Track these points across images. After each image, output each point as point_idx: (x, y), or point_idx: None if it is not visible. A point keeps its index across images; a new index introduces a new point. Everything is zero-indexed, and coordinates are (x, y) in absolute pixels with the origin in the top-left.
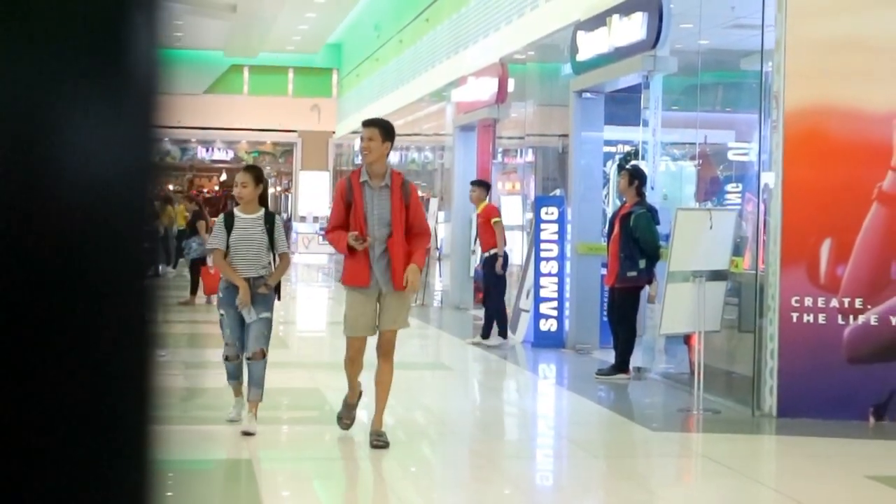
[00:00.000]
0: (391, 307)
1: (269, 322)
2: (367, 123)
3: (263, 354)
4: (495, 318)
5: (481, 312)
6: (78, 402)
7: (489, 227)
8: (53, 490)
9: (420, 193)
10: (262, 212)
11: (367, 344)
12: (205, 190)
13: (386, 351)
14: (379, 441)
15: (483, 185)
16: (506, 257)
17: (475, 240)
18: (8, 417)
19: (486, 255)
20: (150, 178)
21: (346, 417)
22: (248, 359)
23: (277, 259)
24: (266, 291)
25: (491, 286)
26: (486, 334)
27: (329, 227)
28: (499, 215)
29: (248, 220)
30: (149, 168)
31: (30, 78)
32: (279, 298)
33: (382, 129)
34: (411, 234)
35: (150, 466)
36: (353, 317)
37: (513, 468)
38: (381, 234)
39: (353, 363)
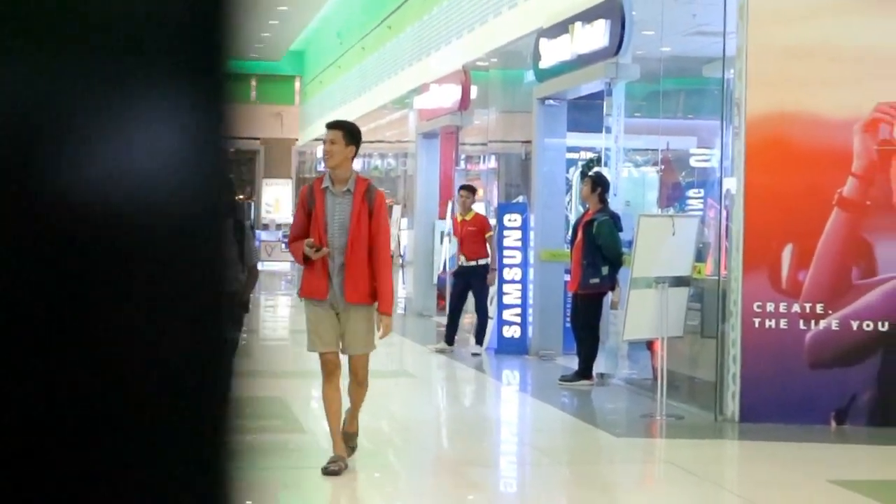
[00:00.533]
0: (354, 329)
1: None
2: (331, 126)
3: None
4: (479, 325)
5: (444, 319)
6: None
7: (480, 236)
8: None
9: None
10: (230, 222)
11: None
12: None
13: (358, 378)
14: (349, 444)
15: (473, 191)
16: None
17: (450, 247)
18: (77, 416)
19: (474, 263)
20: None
21: (333, 464)
22: None
23: (245, 272)
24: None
25: (478, 294)
26: (450, 340)
27: (290, 236)
28: (491, 228)
29: None
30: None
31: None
32: (247, 311)
33: (346, 132)
34: (373, 254)
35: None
36: (314, 331)
37: (477, 475)
38: (342, 243)
39: (327, 381)
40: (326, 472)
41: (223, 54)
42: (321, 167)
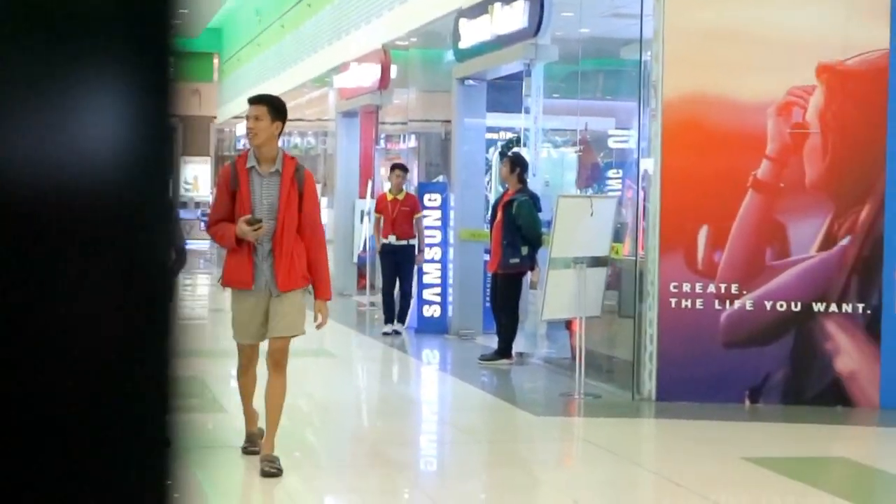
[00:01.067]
0: (282, 311)
1: None
2: (254, 100)
3: None
4: (402, 305)
5: (366, 298)
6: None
7: (412, 215)
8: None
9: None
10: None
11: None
12: None
13: (276, 361)
14: (272, 468)
15: (406, 171)
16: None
17: (374, 221)
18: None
19: (405, 243)
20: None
21: (251, 446)
22: None
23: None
24: None
25: (406, 274)
26: (391, 319)
27: (211, 219)
28: (421, 209)
29: None
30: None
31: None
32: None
33: (271, 107)
34: (305, 235)
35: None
36: (239, 321)
37: (396, 454)
38: (271, 227)
39: (245, 372)
40: (245, 451)
41: (167, 32)
42: (240, 145)
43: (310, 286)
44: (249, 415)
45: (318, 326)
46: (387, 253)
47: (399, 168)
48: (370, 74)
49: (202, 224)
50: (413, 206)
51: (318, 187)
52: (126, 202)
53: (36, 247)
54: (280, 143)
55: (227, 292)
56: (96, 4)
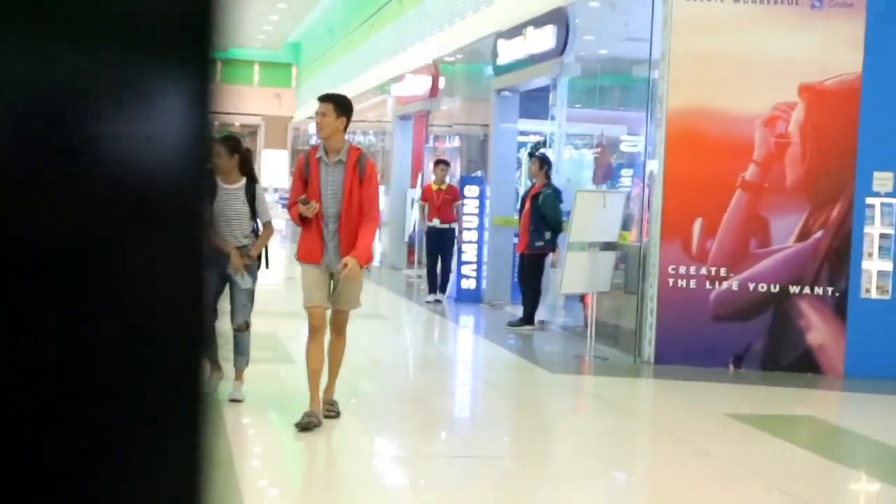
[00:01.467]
0: (345, 289)
1: (251, 293)
2: (322, 98)
3: (247, 326)
4: (443, 277)
5: (413, 271)
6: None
7: (450, 203)
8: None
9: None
10: (242, 182)
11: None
12: None
13: (338, 327)
14: (331, 411)
15: (448, 165)
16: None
17: (421, 207)
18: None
19: (448, 226)
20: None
21: (307, 419)
22: (235, 330)
23: (261, 228)
24: (247, 262)
25: (447, 252)
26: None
27: (289, 202)
28: (460, 198)
29: (228, 190)
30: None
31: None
32: (267, 266)
33: (337, 104)
34: (360, 214)
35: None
36: (307, 288)
37: (435, 402)
38: (335, 211)
39: (313, 338)
40: (300, 426)
41: (211, 45)
42: (312, 140)
43: (370, 265)
44: (314, 393)
45: (343, 274)
46: (431, 234)
47: (442, 163)
48: (422, 84)
49: (280, 206)
50: (454, 195)
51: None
52: (179, 183)
53: (113, 222)
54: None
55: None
56: (157, 24)
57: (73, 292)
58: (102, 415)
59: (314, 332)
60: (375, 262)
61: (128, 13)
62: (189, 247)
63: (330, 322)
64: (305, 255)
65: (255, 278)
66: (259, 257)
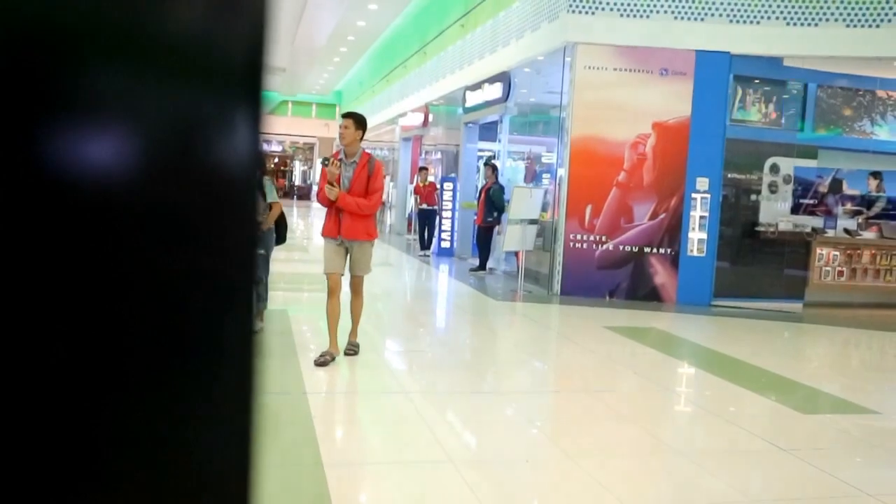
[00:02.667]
0: (358, 259)
1: (265, 258)
2: (345, 115)
3: (260, 280)
4: (429, 240)
5: (410, 236)
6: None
7: (433, 193)
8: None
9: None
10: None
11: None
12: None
13: (356, 289)
14: (352, 349)
15: (427, 170)
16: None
17: (414, 197)
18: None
19: (431, 208)
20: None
21: (322, 357)
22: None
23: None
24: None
25: (431, 224)
26: (423, 247)
27: (318, 189)
28: (437, 189)
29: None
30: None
31: (190, 102)
32: (284, 241)
33: (355, 120)
34: (367, 196)
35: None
36: (327, 258)
37: (422, 317)
38: None
39: (331, 297)
40: (317, 362)
41: (262, 87)
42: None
43: (374, 239)
44: (332, 338)
45: (325, 191)
46: (421, 213)
47: (423, 170)
48: (418, 118)
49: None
50: (433, 188)
51: (388, 177)
52: (240, 181)
53: (198, 208)
54: (372, 151)
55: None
56: (228, 70)
57: (185, 245)
58: (178, 348)
59: (331, 292)
60: (386, 230)
61: (209, 66)
62: (246, 224)
63: (350, 285)
64: (326, 231)
65: (267, 247)
66: (274, 230)
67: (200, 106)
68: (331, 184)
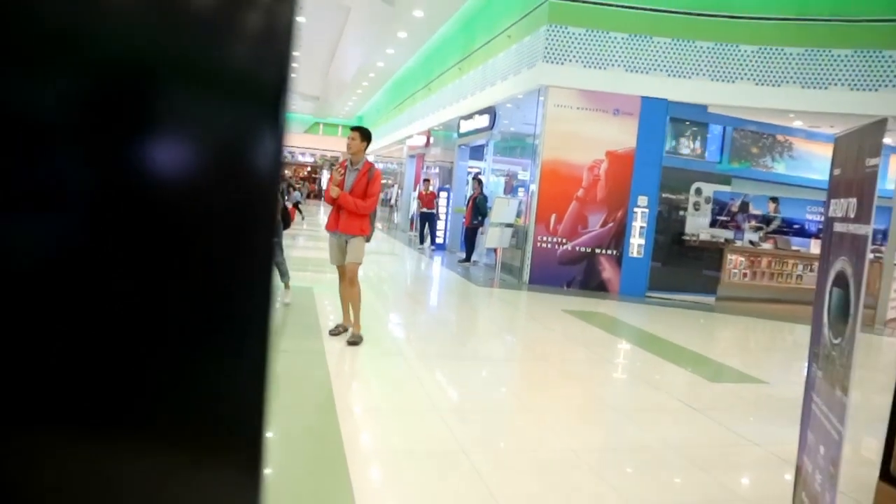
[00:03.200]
0: (350, 249)
1: (278, 242)
2: (353, 129)
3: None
4: (430, 237)
5: (412, 233)
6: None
7: (429, 200)
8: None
9: (388, 180)
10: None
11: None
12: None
13: (349, 278)
14: (353, 340)
15: (430, 181)
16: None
17: (417, 201)
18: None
19: (430, 211)
20: (281, 166)
21: (335, 330)
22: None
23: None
24: None
25: (432, 224)
26: (422, 242)
27: (326, 190)
28: (437, 197)
29: None
30: (281, 162)
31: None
32: (287, 227)
33: (361, 133)
34: (363, 200)
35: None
36: (331, 253)
37: (420, 297)
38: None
39: (341, 282)
40: (331, 332)
41: (285, 109)
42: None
43: (367, 235)
44: (345, 313)
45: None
46: (422, 215)
47: (426, 181)
48: (422, 140)
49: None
50: (433, 195)
51: (395, 188)
52: (265, 182)
53: (233, 204)
54: (382, 167)
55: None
56: (259, 96)
57: (227, 229)
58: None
59: (341, 277)
60: (392, 228)
61: (243, 95)
62: (268, 216)
63: (345, 272)
64: (328, 226)
65: (278, 234)
66: (281, 220)
67: (236, 124)
68: (336, 186)
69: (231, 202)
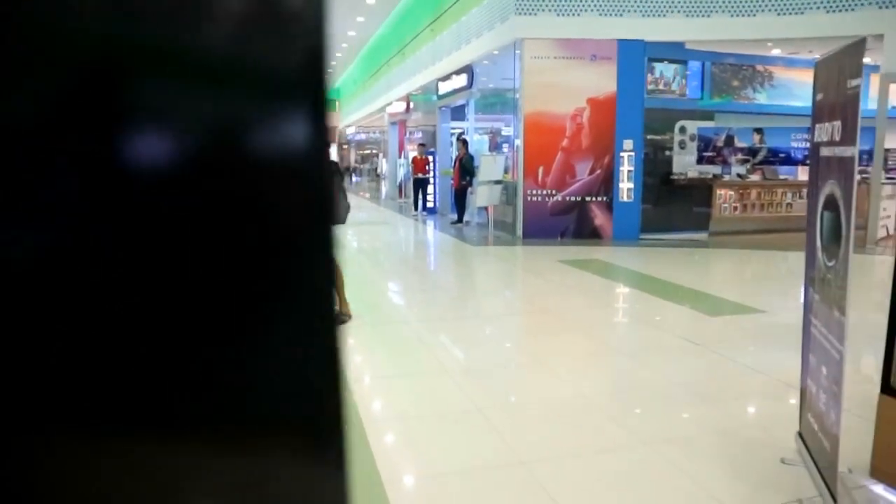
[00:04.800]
0: None
1: None
2: None
3: None
4: (421, 201)
5: (401, 200)
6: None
7: (423, 165)
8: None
9: (372, 150)
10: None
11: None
12: None
13: None
14: (341, 319)
15: (424, 146)
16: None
17: (409, 168)
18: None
19: (424, 177)
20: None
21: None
22: None
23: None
24: None
25: (423, 190)
26: (416, 208)
27: None
28: (429, 162)
29: None
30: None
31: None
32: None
33: None
34: None
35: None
36: None
37: (414, 261)
38: None
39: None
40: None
41: (325, 93)
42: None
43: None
44: (340, 299)
45: None
46: (415, 181)
47: (421, 145)
48: (401, 106)
49: None
50: (426, 160)
51: (380, 156)
52: (312, 165)
53: (280, 193)
54: (364, 135)
55: None
56: (300, 83)
57: (277, 220)
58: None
59: None
60: (382, 196)
61: (276, 81)
62: (320, 200)
63: None
64: None
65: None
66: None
67: (273, 112)
68: None
69: (290, 196)
